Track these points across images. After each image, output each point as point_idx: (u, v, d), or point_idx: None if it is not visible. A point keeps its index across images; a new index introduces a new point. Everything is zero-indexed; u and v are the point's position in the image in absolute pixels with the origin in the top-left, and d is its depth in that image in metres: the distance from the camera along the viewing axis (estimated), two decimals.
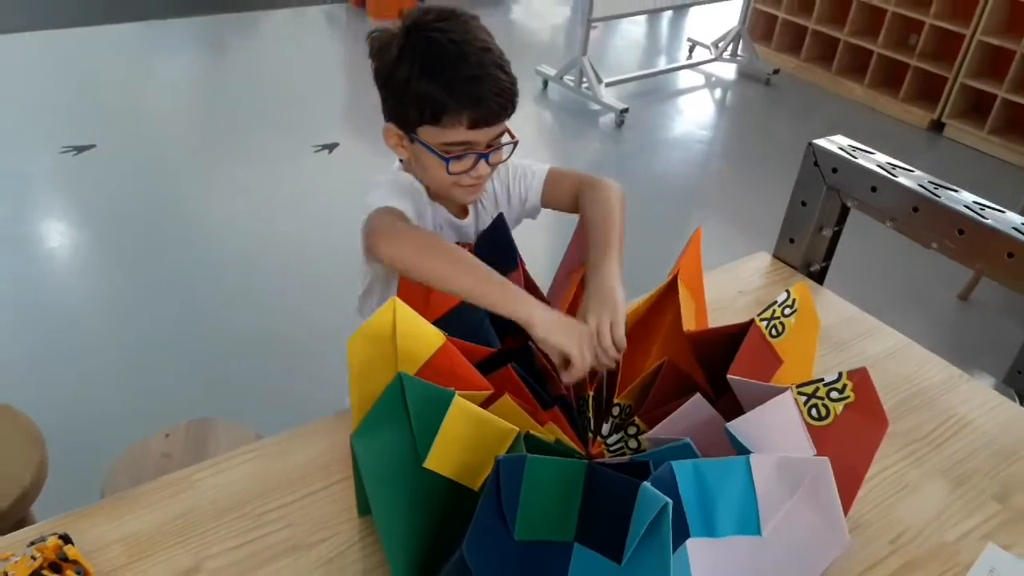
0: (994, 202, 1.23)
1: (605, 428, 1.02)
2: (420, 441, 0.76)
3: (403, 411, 0.77)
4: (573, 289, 1.11)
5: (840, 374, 0.86)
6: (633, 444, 1.00)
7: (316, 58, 4.77)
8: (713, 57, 5.03)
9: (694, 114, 4.58)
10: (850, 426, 0.85)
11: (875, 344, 1.32)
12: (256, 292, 2.61)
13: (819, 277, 1.48)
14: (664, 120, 4.42)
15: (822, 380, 0.86)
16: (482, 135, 1.06)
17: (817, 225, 1.43)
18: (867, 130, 4.33)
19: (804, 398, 0.85)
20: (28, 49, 4.37)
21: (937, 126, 4.38)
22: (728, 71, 5.05)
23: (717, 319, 1.35)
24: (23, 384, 2.19)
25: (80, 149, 3.41)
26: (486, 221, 1.22)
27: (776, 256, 1.51)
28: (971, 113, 4.26)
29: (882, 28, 4.48)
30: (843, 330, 1.34)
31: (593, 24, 4.10)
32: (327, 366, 2.06)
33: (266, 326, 2.47)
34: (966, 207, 1.21)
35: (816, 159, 1.39)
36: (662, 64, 5.18)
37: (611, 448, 1.01)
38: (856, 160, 1.33)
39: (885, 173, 1.30)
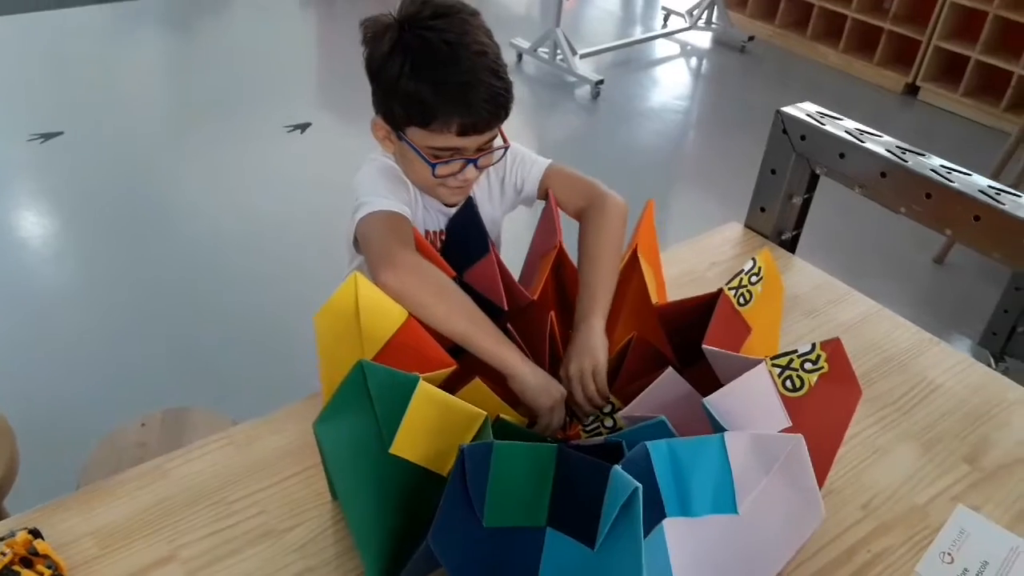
0: (968, 164, 1.24)
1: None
2: (385, 428, 0.75)
3: (366, 398, 0.76)
4: (547, 271, 1.09)
5: (814, 345, 0.86)
6: (609, 423, 1.00)
7: (286, 36, 4.69)
8: (688, 25, 5.00)
9: (669, 84, 4.56)
10: (824, 396, 0.85)
11: (846, 310, 1.33)
12: (232, 275, 2.59)
13: (791, 245, 1.48)
14: (640, 91, 4.39)
15: (796, 351, 0.86)
16: (471, 142, 1.02)
17: (787, 193, 1.43)
18: (842, 95, 4.33)
19: (778, 370, 0.85)
20: None
21: (912, 89, 4.39)
22: (703, 39, 5.03)
23: (689, 290, 1.34)
24: None
25: (47, 136, 3.35)
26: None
27: (748, 225, 1.51)
28: (945, 76, 4.27)
29: None
30: (814, 297, 1.35)
31: None
32: (307, 348, 2.05)
33: (243, 310, 2.45)
34: (933, 171, 1.22)
35: (784, 127, 1.38)
36: (637, 34, 5.14)
37: (587, 428, 1.01)
38: (824, 127, 1.33)
39: (852, 139, 1.30)
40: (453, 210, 1.15)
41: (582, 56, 4.29)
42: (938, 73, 4.28)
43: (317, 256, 2.67)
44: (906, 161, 1.24)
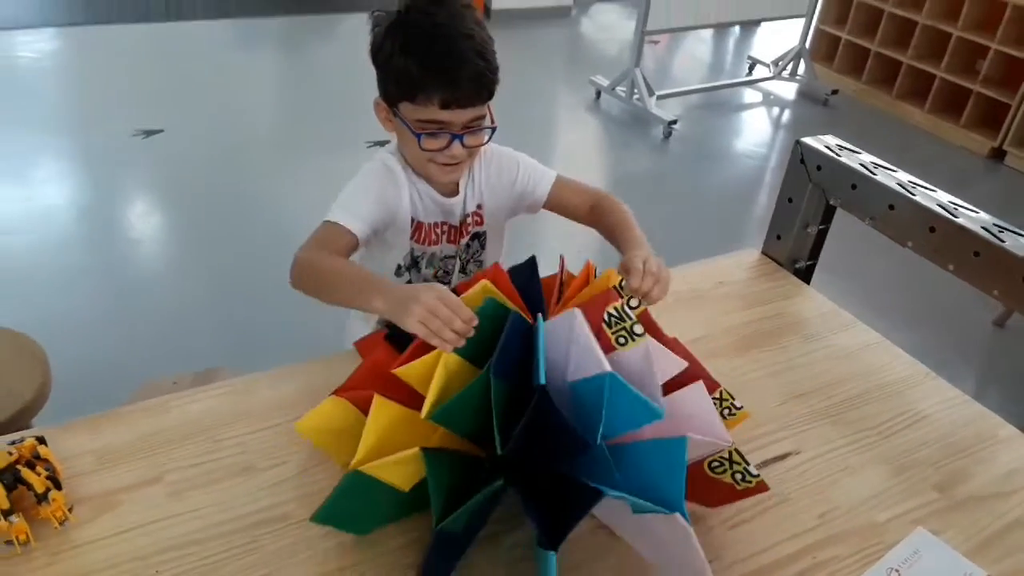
0: None
1: None
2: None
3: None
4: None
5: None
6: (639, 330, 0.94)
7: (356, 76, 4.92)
8: (772, 75, 5.01)
9: (747, 130, 4.56)
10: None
11: (847, 338, 1.33)
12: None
13: (805, 274, 1.50)
14: (716, 134, 4.41)
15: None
16: (455, 116, 1.10)
17: (803, 222, 1.45)
18: (926, 156, 4.24)
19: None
20: (119, 40, 4.66)
21: (998, 154, 4.26)
22: (787, 90, 5.02)
23: (695, 306, 1.39)
24: (59, 324, 2.35)
25: (149, 133, 3.63)
26: (472, 206, 1.26)
27: (764, 252, 1.53)
28: None
29: (946, 52, 4.39)
30: (818, 323, 1.36)
31: (654, 39, 4.14)
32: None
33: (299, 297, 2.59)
34: (939, 205, 1.23)
35: (803, 156, 1.41)
36: (720, 80, 5.18)
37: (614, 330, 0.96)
38: (839, 158, 1.36)
39: (865, 171, 1.32)
40: (451, 202, 1.23)
41: (660, 97, 4.35)
42: None
43: None
44: (914, 195, 1.26)
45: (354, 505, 0.86)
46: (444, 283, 1.29)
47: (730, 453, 0.92)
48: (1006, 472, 1.09)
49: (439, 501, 0.81)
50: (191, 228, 3.03)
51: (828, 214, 1.44)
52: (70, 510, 0.89)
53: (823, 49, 5.14)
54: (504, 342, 0.84)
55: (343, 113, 4.03)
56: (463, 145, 1.13)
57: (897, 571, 0.94)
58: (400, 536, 0.91)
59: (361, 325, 1.32)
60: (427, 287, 0.90)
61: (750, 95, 4.98)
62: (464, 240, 1.26)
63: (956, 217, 1.20)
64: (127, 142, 3.56)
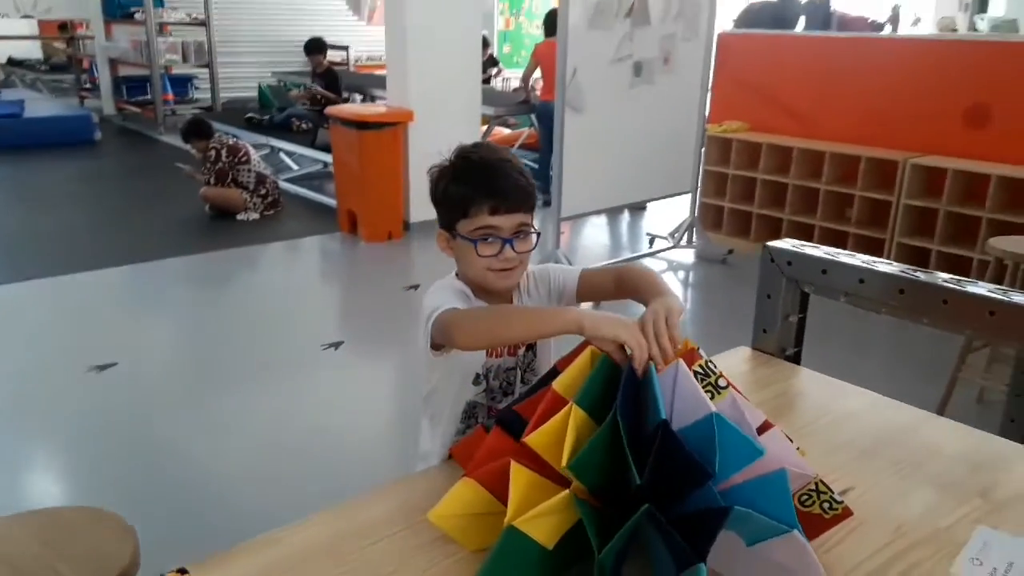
0: None
1: None
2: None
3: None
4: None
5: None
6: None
7: (316, 277, 5.13)
8: (671, 245, 5.51)
9: None
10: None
11: (850, 401, 1.50)
12: (278, 469, 2.72)
13: (795, 360, 1.68)
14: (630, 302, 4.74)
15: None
16: (503, 221, 1.29)
17: (783, 314, 1.66)
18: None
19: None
20: (40, 295, 4.69)
21: None
22: (687, 256, 5.51)
23: None
24: None
25: (103, 368, 3.60)
26: None
27: (755, 347, 1.72)
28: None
29: (818, 204, 5.00)
30: (819, 393, 1.53)
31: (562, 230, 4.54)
32: None
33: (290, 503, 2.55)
34: (902, 272, 1.46)
35: (772, 256, 1.65)
36: (626, 254, 5.63)
37: None
38: (804, 251, 1.60)
39: (830, 257, 1.56)
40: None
41: None
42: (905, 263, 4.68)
43: (359, 453, 2.80)
44: (877, 267, 1.49)
45: (506, 569, 0.92)
46: (509, 394, 1.40)
47: (816, 484, 1.03)
48: None
49: (593, 529, 0.88)
50: (157, 455, 2.97)
51: (804, 302, 1.66)
52: None
53: (711, 217, 5.72)
54: (623, 388, 0.96)
55: (290, 327, 4.15)
56: (514, 249, 1.30)
57: (979, 560, 1.05)
58: None
59: (429, 440, 1.41)
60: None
61: (657, 264, 5.43)
62: (521, 351, 1.40)
63: (920, 275, 1.43)
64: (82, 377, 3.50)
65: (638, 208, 6.60)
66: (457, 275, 1.39)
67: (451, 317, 1.21)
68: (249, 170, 5.76)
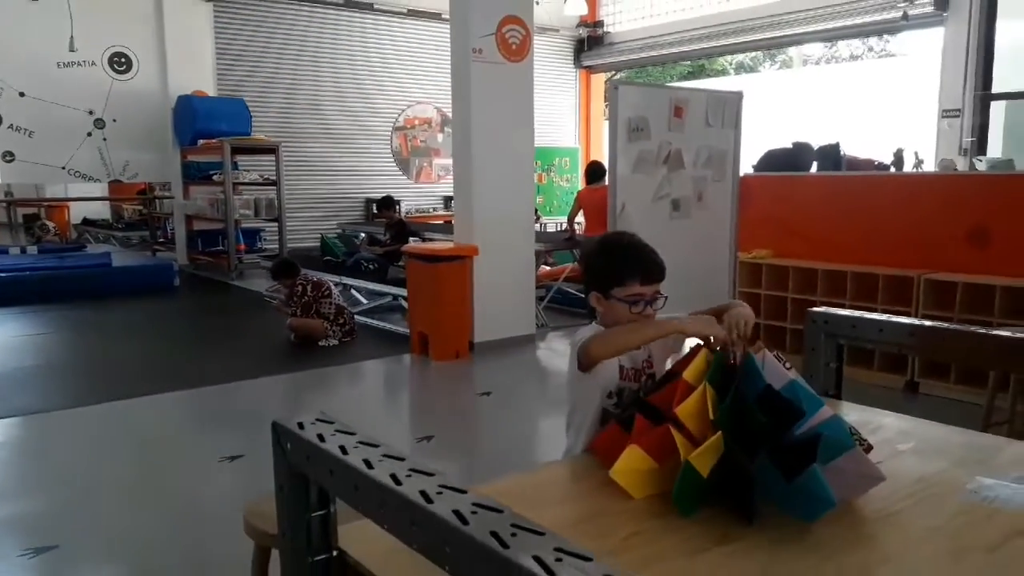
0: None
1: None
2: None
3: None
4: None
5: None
6: None
7: (398, 387, 5.75)
8: None
9: None
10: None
11: (886, 419, 2.03)
12: None
13: (837, 399, 2.23)
14: None
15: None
16: (648, 288, 1.91)
17: (824, 362, 2.22)
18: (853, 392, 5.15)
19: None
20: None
21: (912, 386, 5.24)
22: None
23: None
24: None
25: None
26: (644, 356, 1.99)
27: None
28: (937, 370, 5.15)
29: None
30: (859, 416, 2.07)
31: None
32: None
33: None
34: (910, 321, 2.03)
35: (814, 319, 2.22)
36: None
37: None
38: (837, 312, 2.18)
39: (857, 315, 2.13)
40: (637, 353, 1.95)
41: None
42: (931, 370, 5.17)
43: None
44: (891, 319, 2.06)
45: (684, 489, 1.46)
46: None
47: (850, 428, 1.57)
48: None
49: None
50: None
51: (840, 352, 2.22)
52: None
53: None
54: (737, 374, 1.53)
55: (387, 424, 4.65)
56: (652, 308, 1.90)
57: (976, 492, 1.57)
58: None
59: (573, 440, 1.96)
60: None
61: None
62: (643, 379, 1.97)
63: (925, 323, 2.00)
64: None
65: None
66: (596, 322, 1.99)
67: (590, 338, 1.83)
68: (331, 303, 6.48)
